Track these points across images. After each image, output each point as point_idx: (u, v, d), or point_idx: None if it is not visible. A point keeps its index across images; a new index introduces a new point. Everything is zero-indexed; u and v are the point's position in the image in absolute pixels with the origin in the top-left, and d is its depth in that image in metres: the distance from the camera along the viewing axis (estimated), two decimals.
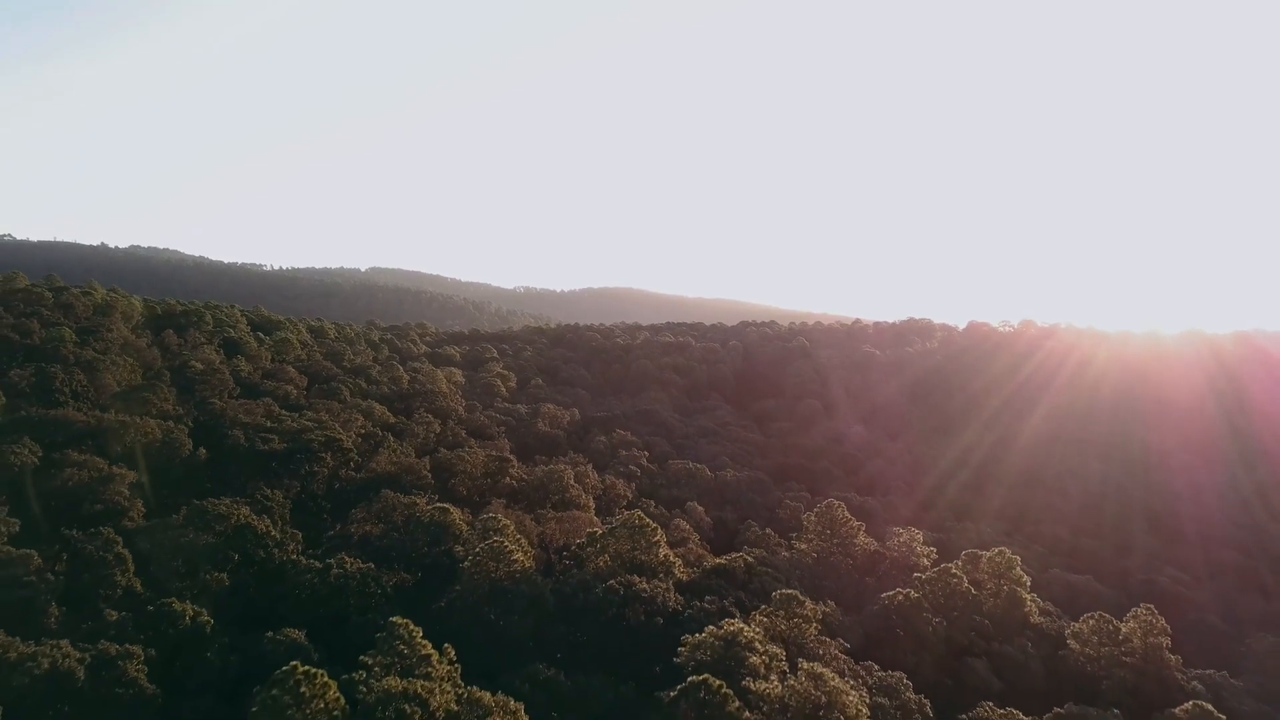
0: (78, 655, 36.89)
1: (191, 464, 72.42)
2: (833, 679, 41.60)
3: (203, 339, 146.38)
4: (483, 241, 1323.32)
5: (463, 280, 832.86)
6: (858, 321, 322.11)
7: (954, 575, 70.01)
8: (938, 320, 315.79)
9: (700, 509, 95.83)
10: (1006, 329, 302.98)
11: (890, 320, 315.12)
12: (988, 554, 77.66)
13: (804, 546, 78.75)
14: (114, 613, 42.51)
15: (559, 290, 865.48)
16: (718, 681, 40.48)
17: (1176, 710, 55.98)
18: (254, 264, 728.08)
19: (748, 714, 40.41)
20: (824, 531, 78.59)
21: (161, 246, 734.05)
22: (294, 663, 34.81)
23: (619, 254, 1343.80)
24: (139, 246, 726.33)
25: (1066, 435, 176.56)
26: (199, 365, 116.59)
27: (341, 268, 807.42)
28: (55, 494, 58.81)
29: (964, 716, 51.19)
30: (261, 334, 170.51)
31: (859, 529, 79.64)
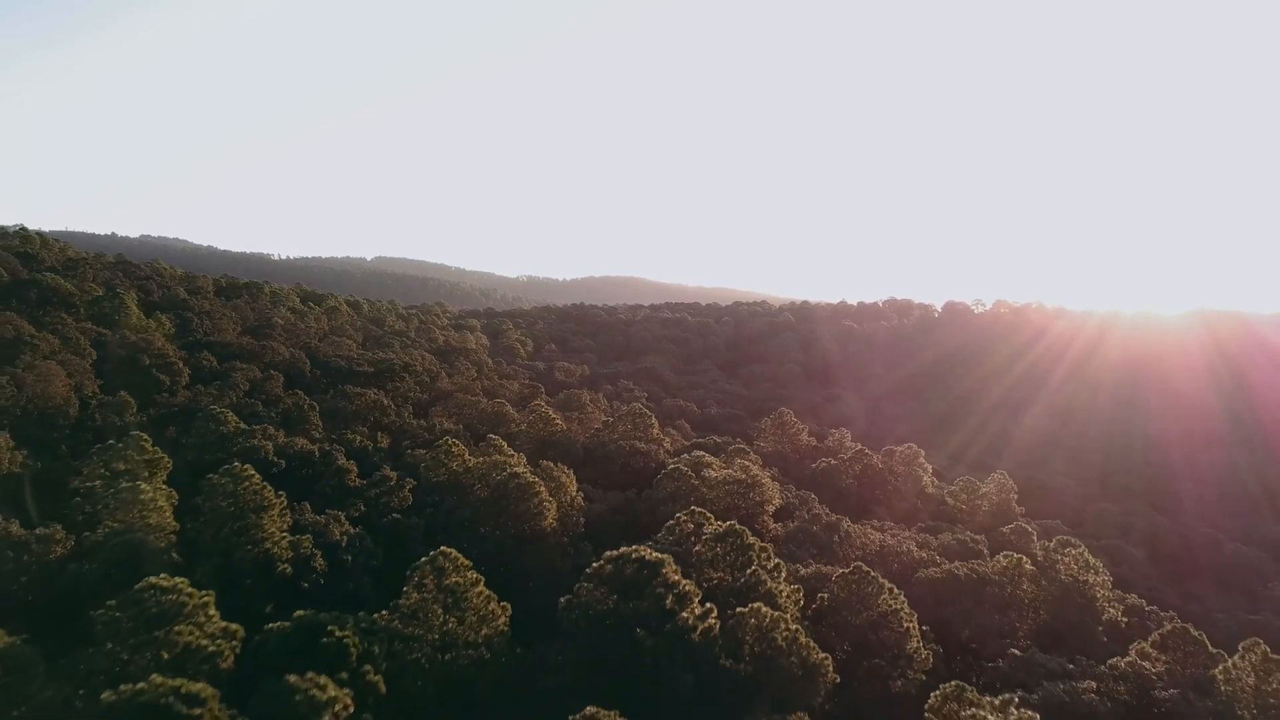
0: (311, 446, 63.52)
1: (312, 377, 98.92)
2: (757, 470, 68.24)
3: (268, 305, 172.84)
4: (486, 232, 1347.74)
5: (467, 269, 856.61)
6: (843, 302, 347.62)
7: (867, 454, 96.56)
8: (916, 300, 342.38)
9: (687, 426, 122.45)
10: (980, 308, 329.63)
11: (871, 301, 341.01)
12: (900, 448, 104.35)
13: (762, 443, 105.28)
14: (317, 432, 69.10)
15: (561, 279, 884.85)
16: (687, 469, 67.27)
17: (1004, 528, 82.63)
18: (262, 253, 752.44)
19: (703, 489, 67.09)
20: (777, 432, 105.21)
21: (171, 236, 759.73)
22: (445, 437, 61.48)
23: (620, 244, 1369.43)
24: (149, 236, 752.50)
25: (1014, 391, 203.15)
26: (280, 321, 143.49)
27: (348, 257, 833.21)
28: (234, 386, 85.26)
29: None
30: (312, 304, 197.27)
31: (803, 430, 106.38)
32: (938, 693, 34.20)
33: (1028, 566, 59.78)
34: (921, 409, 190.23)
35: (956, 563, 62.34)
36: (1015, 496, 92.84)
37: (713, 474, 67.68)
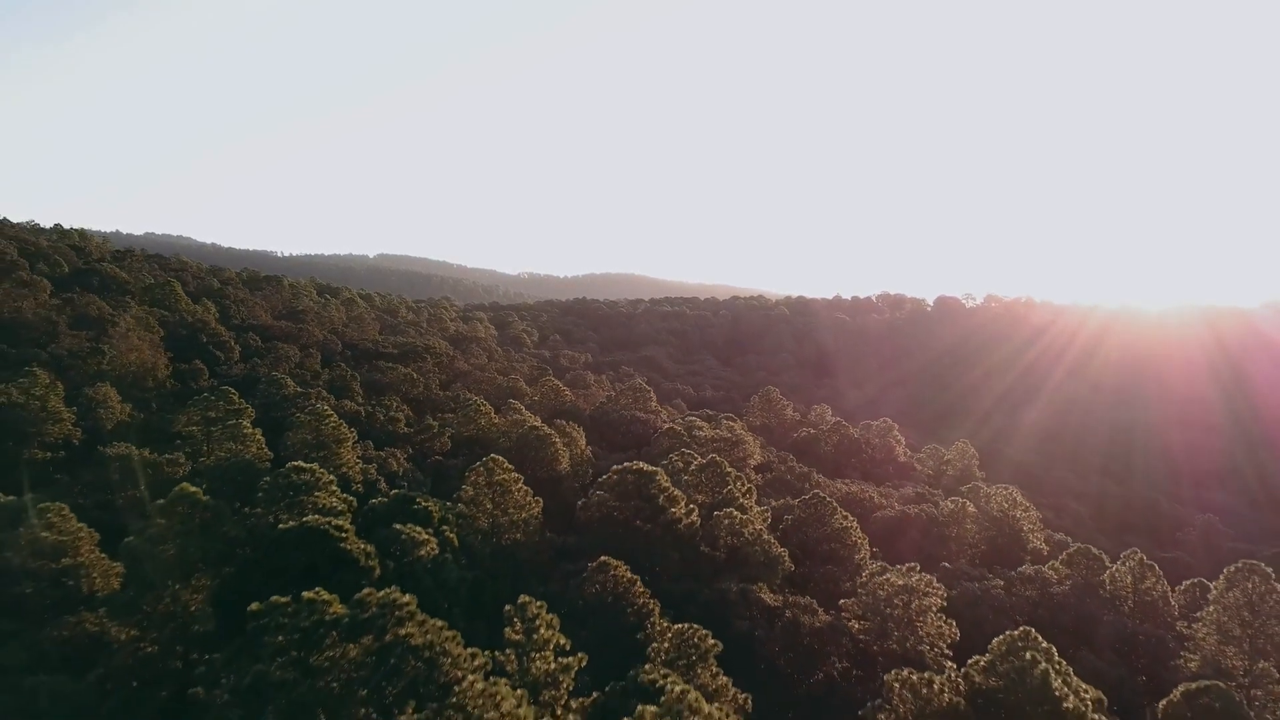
0: (358, 407, 74.18)
1: (343, 357, 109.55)
2: (741, 430, 78.88)
3: (290, 296, 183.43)
4: (487, 230, 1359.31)
5: (469, 266, 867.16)
6: (837, 296, 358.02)
7: (846, 427, 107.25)
8: (909, 294, 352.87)
9: (684, 405, 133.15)
10: (971, 303, 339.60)
11: (865, 295, 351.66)
12: (877, 422, 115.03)
13: (751, 418, 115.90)
14: (359, 396, 79.79)
15: (562, 276, 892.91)
16: (681, 429, 78.02)
17: (962, 487, 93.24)
18: (265, 250, 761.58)
19: (694, 446, 77.79)
20: (764, 407, 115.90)
21: (175, 234, 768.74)
22: (473, 401, 72.13)
23: (620, 242, 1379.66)
24: (154, 233, 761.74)
25: (1013, 388, 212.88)
26: (303, 310, 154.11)
27: (350, 254, 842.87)
28: (278, 362, 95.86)
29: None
30: (328, 296, 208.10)
31: (787, 406, 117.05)
32: (867, 570, 44.90)
33: (970, 509, 70.49)
34: (919, 406, 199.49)
35: (910, 506, 73.02)
36: (977, 462, 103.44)
37: (702, 433, 78.37)
